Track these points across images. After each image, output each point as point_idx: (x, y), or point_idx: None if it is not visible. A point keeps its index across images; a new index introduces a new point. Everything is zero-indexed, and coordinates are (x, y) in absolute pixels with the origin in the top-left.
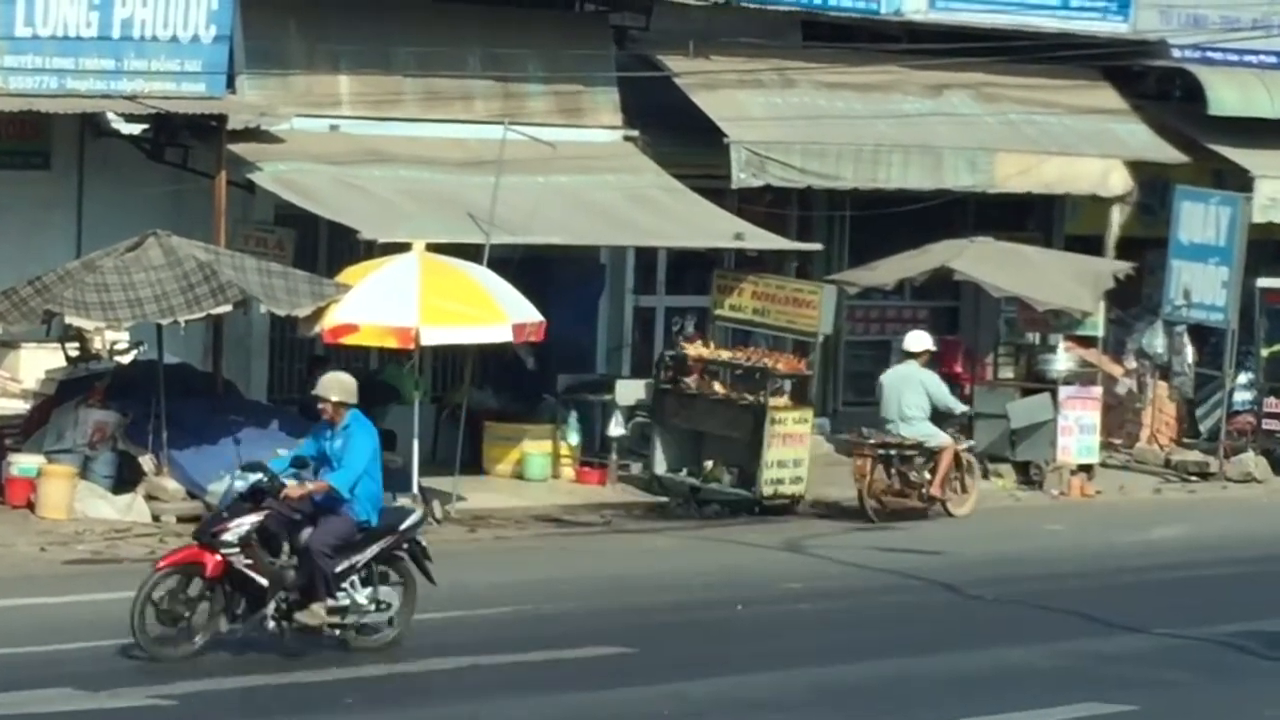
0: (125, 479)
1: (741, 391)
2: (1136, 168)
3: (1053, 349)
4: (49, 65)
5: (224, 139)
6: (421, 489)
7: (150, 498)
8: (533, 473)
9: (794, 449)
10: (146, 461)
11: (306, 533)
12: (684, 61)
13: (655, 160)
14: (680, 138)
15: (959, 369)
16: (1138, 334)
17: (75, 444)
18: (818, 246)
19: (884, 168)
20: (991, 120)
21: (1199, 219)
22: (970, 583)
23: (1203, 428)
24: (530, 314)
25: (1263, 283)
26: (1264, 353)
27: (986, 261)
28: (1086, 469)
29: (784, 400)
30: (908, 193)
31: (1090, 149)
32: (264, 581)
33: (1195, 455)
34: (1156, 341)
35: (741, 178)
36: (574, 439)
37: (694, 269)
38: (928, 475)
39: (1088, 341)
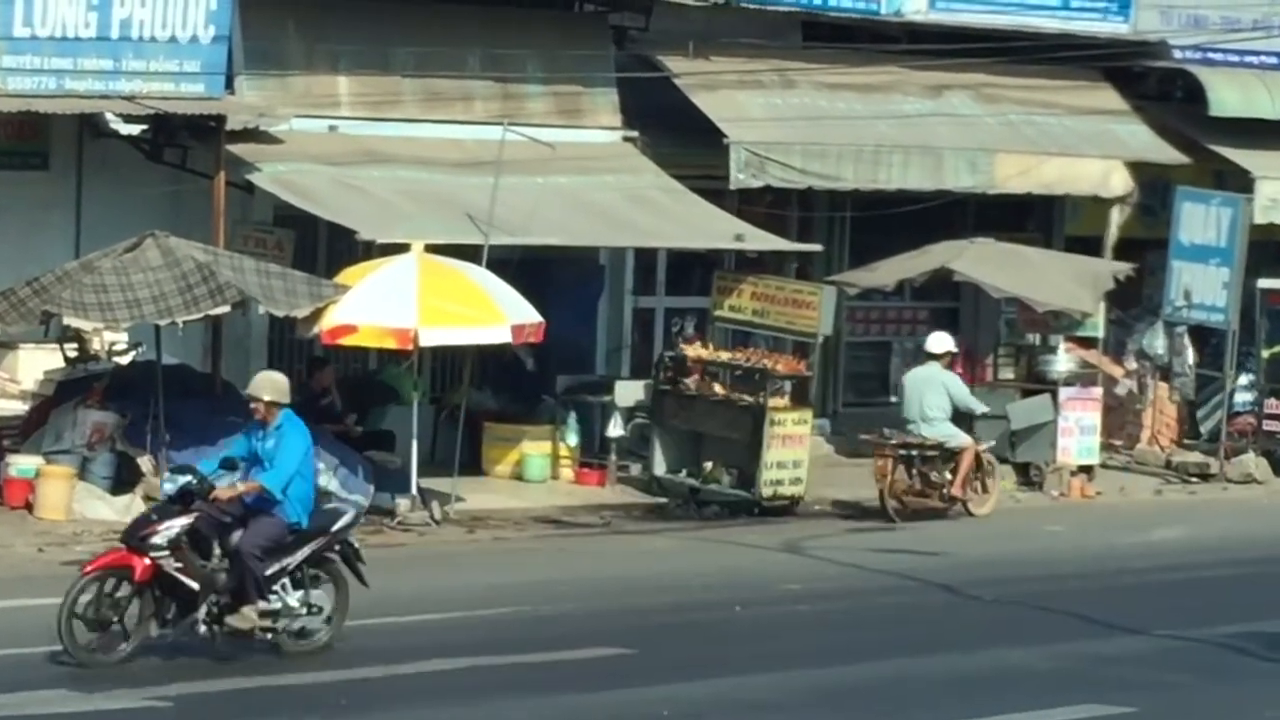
0: (124, 480)
1: (741, 392)
2: (1137, 168)
3: (1053, 350)
4: (47, 66)
5: (223, 139)
6: (420, 490)
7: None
8: (532, 474)
9: (793, 450)
10: (145, 462)
11: (237, 535)
12: (684, 62)
13: (655, 161)
14: (680, 138)
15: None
16: (1138, 335)
17: (74, 445)
18: (818, 247)
19: (884, 168)
20: (992, 121)
21: (1200, 220)
22: (970, 584)
23: (1203, 429)
24: (529, 315)
25: (1263, 284)
26: (1265, 354)
27: (986, 262)
28: (1087, 470)
29: (783, 401)
30: (908, 193)
31: (1091, 150)
32: (194, 585)
33: (1196, 456)
34: (1157, 342)
35: (741, 178)
36: (573, 440)
37: (694, 270)
38: (949, 475)
39: (1088, 342)
